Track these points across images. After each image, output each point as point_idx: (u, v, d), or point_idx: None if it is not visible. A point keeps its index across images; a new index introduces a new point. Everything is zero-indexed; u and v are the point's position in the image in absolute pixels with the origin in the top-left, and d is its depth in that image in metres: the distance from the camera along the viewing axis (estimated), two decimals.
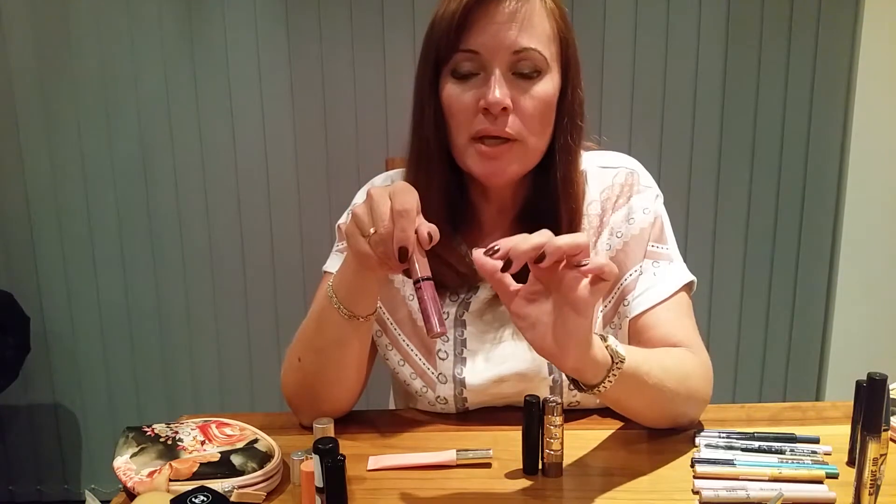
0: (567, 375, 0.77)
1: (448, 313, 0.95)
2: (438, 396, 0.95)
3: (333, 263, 0.99)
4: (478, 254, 0.69)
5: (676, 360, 0.86)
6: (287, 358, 0.93)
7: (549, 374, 0.92)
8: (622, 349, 0.76)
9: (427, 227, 0.72)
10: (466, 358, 0.94)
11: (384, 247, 0.73)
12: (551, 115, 0.89)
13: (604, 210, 0.96)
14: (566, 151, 0.91)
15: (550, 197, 0.92)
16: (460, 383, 0.94)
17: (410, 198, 0.72)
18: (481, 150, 0.87)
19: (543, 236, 0.68)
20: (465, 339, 0.95)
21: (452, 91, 0.87)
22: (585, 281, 0.68)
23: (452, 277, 0.95)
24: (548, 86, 0.87)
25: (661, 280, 0.92)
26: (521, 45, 0.84)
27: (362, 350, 0.89)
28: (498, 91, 0.84)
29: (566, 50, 0.89)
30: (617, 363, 0.75)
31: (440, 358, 0.95)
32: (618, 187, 0.96)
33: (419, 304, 0.70)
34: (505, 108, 0.85)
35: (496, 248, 0.68)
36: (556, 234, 0.75)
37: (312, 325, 0.88)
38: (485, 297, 0.95)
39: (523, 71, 0.86)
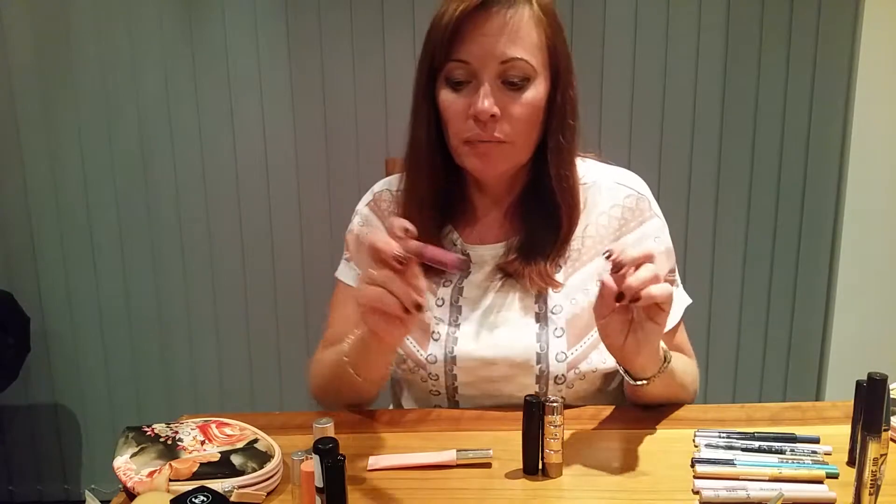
0: (622, 368, 0.88)
1: (443, 300, 0.99)
2: (430, 373, 0.97)
3: (343, 272, 1.07)
4: (607, 278, 0.79)
5: (686, 363, 1.00)
6: (313, 368, 1.02)
7: (537, 364, 0.95)
8: (670, 353, 0.90)
9: (398, 223, 0.77)
10: (458, 338, 0.97)
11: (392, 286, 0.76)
12: (538, 118, 0.94)
13: (612, 227, 0.99)
14: (558, 151, 0.96)
15: (544, 193, 0.97)
16: (451, 361, 0.96)
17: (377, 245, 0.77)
18: (476, 148, 0.93)
19: (651, 279, 0.77)
20: (460, 324, 0.97)
21: (447, 97, 0.93)
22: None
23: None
24: (535, 92, 0.91)
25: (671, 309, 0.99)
26: (508, 55, 0.89)
27: (385, 375, 0.95)
28: (486, 101, 0.89)
29: (554, 56, 0.93)
30: (667, 360, 0.88)
31: (433, 339, 0.97)
32: (628, 211, 0.99)
33: (435, 260, 0.76)
34: (493, 116, 0.90)
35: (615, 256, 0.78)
36: (557, 228, 0.95)
37: (332, 370, 0.96)
38: (478, 281, 0.99)
39: (511, 79, 0.90)
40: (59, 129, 1.96)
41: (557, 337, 0.95)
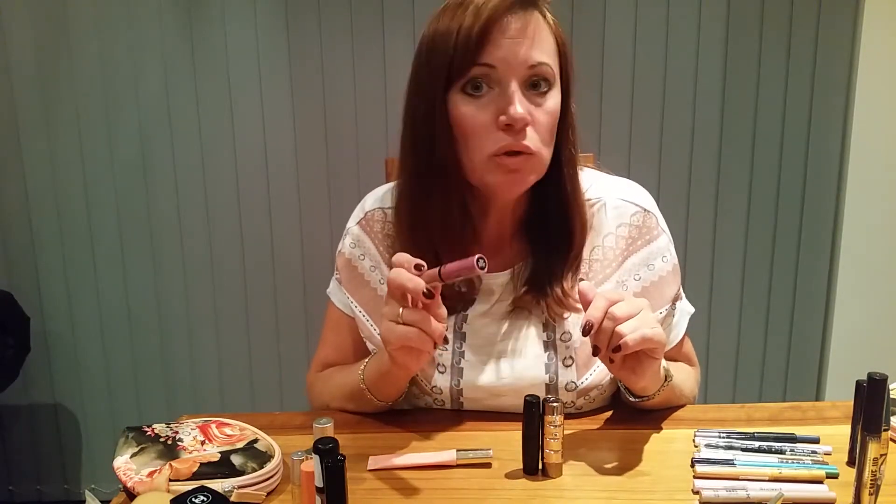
0: (621, 384, 0.91)
1: (446, 327, 0.95)
2: (436, 400, 0.97)
3: (334, 292, 1.05)
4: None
5: (688, 374, 1.02)
6: (318, 389, 1.03)
7: (547, 395, 0.93)
8: (671, 369, 0.90)
9: (408, 261, 0.78)
10: (464, 369, 0.94)
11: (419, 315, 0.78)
12: (555, 128, 0.90)
13: (619, 247, 0.96)
14: (571, 164, 0.93)
15: (556, 210, 0.93)
16: (458, 393, 0.95)
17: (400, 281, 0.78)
18: (505, 163, 0.86)
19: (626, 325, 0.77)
20: (464, 351, 0.95)
21: (467, 110, 0.86)
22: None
23: (448, 290, 0.94)
24: (555, 101, 0.88)
25: (678, 323, 1.01)
26: (535, 59, 0.85)
27: (403, 391, 0.96)
28: (520, 106, 0.84)
29: (565, 64, 0.90)
30: (668, 380, 0.89)
31: (439, 371, 0.95)
32: (635, 229, 0.96)
33: (457, 274, 0.77)
34: (527, 123, 0.85)
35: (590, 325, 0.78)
36: (568, 247, 0.92)
37: (346, 395, 0.97)
38: (483, 310, 0.96)
39: (536, 85, 0.86)
40: (59, 129, 1.96)
41: (567, 366, 0.92)
